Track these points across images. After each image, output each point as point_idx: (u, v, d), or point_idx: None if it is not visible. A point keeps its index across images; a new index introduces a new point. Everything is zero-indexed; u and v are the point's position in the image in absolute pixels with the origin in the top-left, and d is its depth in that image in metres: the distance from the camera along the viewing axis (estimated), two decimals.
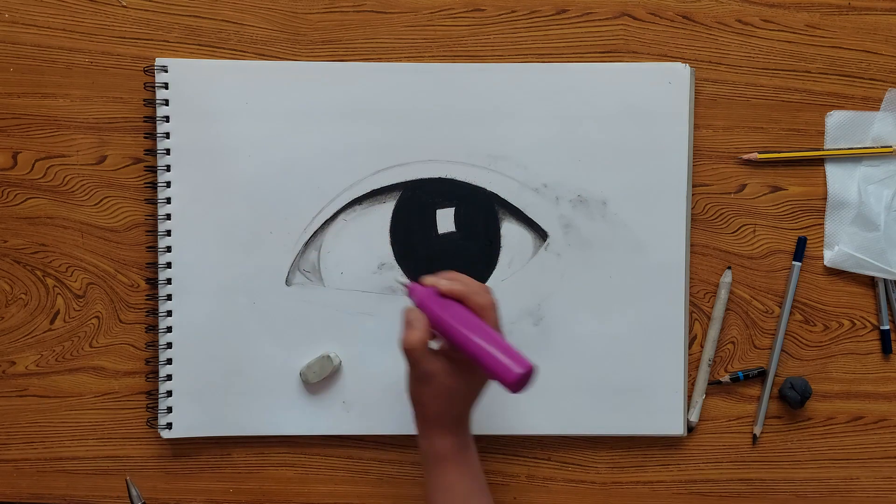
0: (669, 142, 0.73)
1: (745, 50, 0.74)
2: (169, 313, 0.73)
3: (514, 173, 0.73)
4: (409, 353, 0.61)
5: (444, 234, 0.74)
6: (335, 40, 0.74)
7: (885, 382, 0.76)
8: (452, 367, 0.62)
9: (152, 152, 0.73)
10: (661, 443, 0.76)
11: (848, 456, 0.76)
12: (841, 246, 0.74)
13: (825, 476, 0.76)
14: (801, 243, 0.74)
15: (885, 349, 0.75)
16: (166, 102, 0.72)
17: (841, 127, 0.74)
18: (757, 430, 0.75)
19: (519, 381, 0.58)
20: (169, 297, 0.73)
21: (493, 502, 0.65)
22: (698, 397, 0.75)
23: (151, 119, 0.73)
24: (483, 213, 0.73)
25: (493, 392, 0.74)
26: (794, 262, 0.74)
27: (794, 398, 0.74)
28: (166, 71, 0.72)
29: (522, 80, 0.73)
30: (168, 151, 0.72)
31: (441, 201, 0.73)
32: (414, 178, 0.73)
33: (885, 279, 0.74)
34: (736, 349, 0.76)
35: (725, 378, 0.75)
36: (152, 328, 0.74)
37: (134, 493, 0.69)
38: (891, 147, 0.74)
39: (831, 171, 0.75)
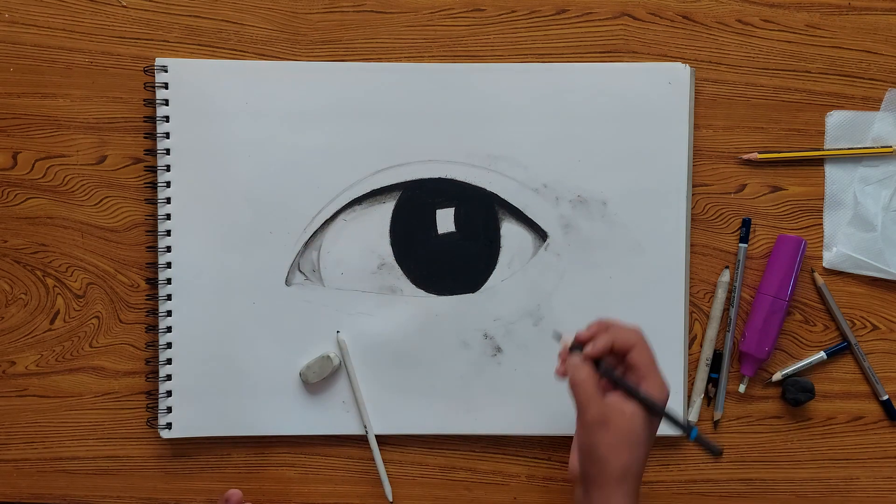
0: (669, 142, 0.73)
1: (745, 50, 0.74)
2: (169, 313, 0.73)
3: (514, 173, 0.73)
4: (577, 389, 0.55)
5: (444, 234, 0.74)
6: (335, 40, 0.74)
7: (885, 382, 0.76)
8: (632, 407, 0.55)
9: (152, 152, 0.73)
10: (661, 443, 0.76)
11: (848, 456, 0.76)
12: (839, 247, 0.74)
13: (825, 476, 0.76)
14: (746, 225, 0.74)
15: None
16: (166, 102, 0.72)
17: (841, 127, 0.74)
18: (717, 415, 0.75)
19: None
20: (169, 297, 0.73)
21: None
22: (697, 397, 0.75)
23: (151, 119, 0.73)
24: (483, 213, 0.73)
25: (492, 392, 0.74)
26: (739, 245, 0.74)
27: (799, 400, 0.74)
28: (166, 71, 0.72)
29: (522, 80, 0.73)
30: (168, 151, 0.72)
31: (441, 201, 0.73)
32: (414, 178, 0.73)
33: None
34: (736, 348, 0.75)
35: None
36: (152, 328, 0.74)
37: None
38: (891, 147, 0.74)
39: (830, 171, 0.74)
